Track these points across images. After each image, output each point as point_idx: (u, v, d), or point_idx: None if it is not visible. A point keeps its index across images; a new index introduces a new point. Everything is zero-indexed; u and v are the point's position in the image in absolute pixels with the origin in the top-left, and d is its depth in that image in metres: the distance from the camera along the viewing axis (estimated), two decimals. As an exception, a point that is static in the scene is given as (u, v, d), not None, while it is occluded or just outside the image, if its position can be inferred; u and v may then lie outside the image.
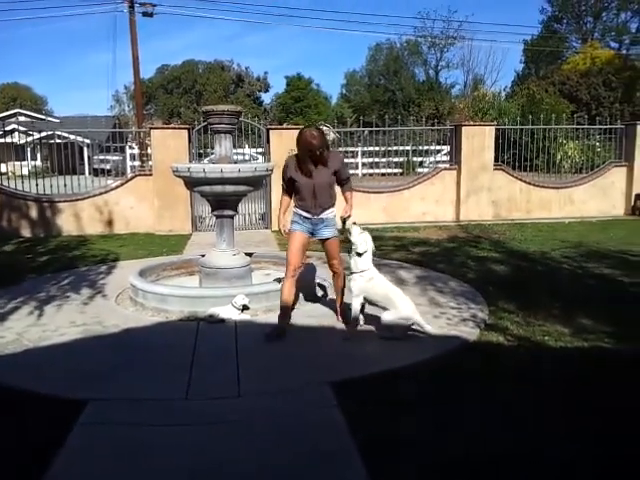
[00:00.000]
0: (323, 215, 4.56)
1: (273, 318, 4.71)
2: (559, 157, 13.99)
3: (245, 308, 5.04)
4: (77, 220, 10.35)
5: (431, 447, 2.86)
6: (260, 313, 5.13)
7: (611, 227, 10.64)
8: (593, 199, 12.35)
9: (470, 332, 4.57)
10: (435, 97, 38.73)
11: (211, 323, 4.89)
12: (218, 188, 5.40)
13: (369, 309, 4.73)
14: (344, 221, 4.65)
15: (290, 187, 4.58)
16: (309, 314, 5.10)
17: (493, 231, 10.24)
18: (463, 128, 11.70)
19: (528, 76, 40.32)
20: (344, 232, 4.65)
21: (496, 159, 11.95)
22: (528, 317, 4.93)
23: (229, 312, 4.96)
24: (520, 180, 12.06)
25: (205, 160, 11.49)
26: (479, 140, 11.61)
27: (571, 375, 3.71)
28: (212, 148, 12.12)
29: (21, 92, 55.86)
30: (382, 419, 3.13)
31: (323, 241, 4.67)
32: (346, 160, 16.62)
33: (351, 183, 4.80)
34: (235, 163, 5.86)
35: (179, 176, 5.60)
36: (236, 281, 5.54)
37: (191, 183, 5.64)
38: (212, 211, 5.88)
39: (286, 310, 4.64)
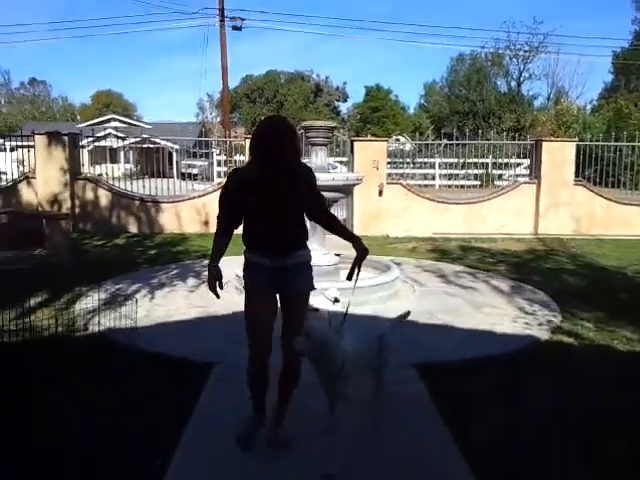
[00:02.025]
0: (291, 259, 2.94)
1: (362, 310, 5.30)
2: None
3: (336, 301, 5.73)
4: (178, 219, 11.50)
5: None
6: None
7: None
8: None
9: (543, 334, 5.07)
10: (517, 109, 38.39)
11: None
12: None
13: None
14: (351, 274, 3.01)
15: (233, 217, 2.93)
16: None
17: (571, 245, 10.46)
18: (543, 143, 11.96)
19: (617, 89, 39.13)
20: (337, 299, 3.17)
21: (577, 174, 12.09)
22: (599, 323, 5.33)
23: (322, 302, 5.66)
24: (600, 196, 12.12)
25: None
26: (560, 155, 11.81)
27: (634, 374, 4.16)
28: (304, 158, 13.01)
29: (114, 99, 59.90)
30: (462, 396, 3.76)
31: (287, 298, 3.03)
32: (423, 171, 17.15)
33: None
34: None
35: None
36: (325, 278, 6.24)
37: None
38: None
39: (260, 409, 3.09)
